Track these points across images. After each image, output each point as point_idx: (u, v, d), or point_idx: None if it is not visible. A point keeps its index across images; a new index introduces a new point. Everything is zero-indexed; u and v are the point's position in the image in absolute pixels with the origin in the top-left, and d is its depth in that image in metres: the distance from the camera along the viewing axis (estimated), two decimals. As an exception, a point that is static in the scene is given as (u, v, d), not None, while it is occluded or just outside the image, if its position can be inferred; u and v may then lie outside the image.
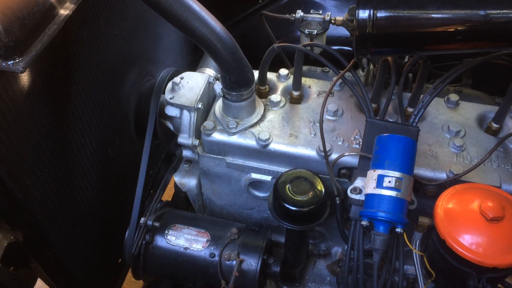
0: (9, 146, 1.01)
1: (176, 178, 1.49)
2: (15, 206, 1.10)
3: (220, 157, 1.37)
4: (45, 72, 1.07)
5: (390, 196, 1.06)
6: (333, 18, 1.32)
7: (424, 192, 1.23)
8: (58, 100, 1.15)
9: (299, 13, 1.37)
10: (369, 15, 1.05)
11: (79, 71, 1.20)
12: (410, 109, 1.37)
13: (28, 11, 0.82)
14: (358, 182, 1.15)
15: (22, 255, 1.26)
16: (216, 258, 1.29)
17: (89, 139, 1.31)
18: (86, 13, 1.16)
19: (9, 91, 0.96)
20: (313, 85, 1.47)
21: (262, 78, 1.42)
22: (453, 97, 1.40)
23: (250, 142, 1.32)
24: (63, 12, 0.90)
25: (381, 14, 1.05)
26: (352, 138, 1.32)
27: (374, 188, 1.08)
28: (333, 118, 1.37)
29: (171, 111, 1.41)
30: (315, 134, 1.33)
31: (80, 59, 1.19)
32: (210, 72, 1.66)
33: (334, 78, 1.32)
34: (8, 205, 1.09)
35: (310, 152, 1.30)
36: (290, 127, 1.35)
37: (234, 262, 1.27)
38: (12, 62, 0.82)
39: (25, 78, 1.01)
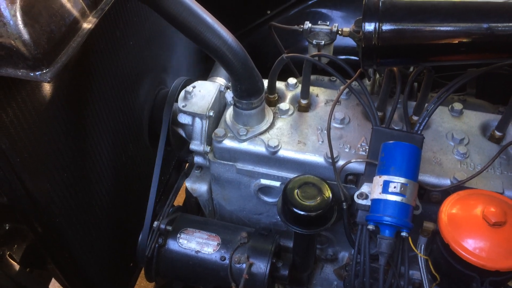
0: (32, 152, 1.06)
1: (188, 184, 1.52)
2: (35, 210, 1.14)
3: (231, 163, 1.40)
4: (65, 82, 1.11)
5: (395, 201, 1.09)
6: (340, 29, 1.35)
7: (429, 198, 1.26)
8: (76, 108, 1.19)
9: (307, 24, 1.40)
10: (375, 27, 1.08)
11: (96, 80, 1.24)
12: (415, 118, 1.39)
13: (55, 25, 0.87)
14: (365, 188, 1.18)
15: (40, 257, 1.31)
16: (227, 261, 1.32)
17: (105, 146, 1.35)
18: (104, 26, 1.21)
19: (33, 100, 1.02)
20: (321, 94, 1.50)
21: (271, 87, 1.45)
22: (457, 106, 1.42)
23: (260, 148, 1.36)
24: (86, 25, 0.95)
25: (386, 27, 1.08)
26: (359, 145, 1.35)
27: (380, 193, 1.11)
28: (340, 126, 1.40)
29: (183, 118, 1.45)
30: (322, 141, 1.36)
31: (97, 69, 1.23)
32: (221, 81, 1.69)
33: (341, 87, 1.35)
34: (29, 208, 1.14)
35: (318, 158, 1.33)
36: (298, 135, 1.39)
37: (244, 265, 1.30)
38: (39, 72, 0.86)
39: (47, 87, 1.06)
